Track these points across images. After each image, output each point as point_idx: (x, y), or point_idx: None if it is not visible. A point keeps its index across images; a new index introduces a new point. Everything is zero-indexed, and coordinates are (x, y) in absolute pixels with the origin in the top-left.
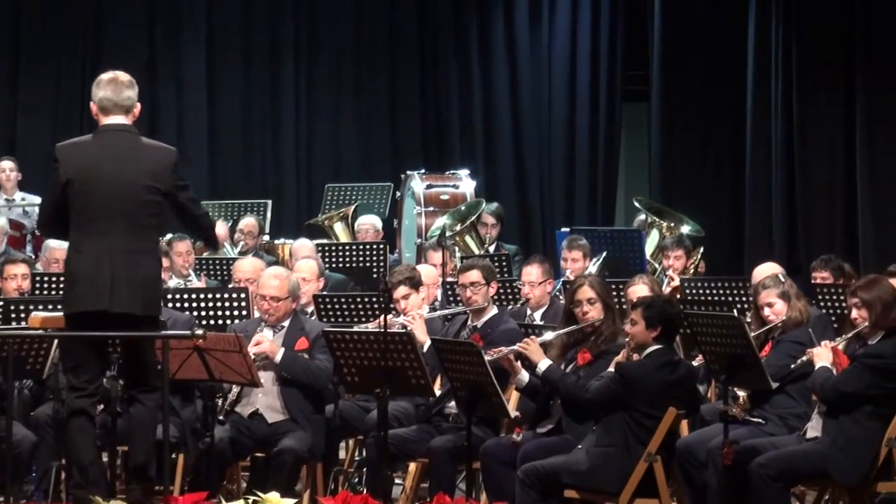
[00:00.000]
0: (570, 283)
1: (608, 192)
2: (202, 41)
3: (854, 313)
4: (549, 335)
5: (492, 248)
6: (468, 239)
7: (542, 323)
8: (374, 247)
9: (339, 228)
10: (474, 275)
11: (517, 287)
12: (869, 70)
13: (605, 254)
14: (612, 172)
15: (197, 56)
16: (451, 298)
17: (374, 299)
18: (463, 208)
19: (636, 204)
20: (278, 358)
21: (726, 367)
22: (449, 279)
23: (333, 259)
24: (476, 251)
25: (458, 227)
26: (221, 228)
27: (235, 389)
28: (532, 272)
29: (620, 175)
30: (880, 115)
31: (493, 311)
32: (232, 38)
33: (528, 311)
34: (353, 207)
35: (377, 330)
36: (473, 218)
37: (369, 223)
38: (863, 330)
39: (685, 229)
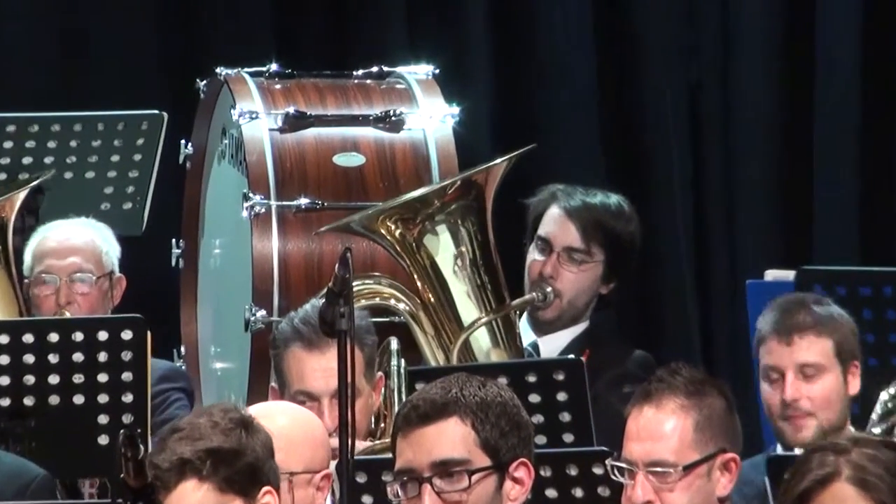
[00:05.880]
0: (801, 462)
1: None
2: None
3: None
4: None
5: (543, 340)
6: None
7: None
8: (94, 332)
9: None
10: (454, 439)
11: None
12: None
13: None
14: None
15: None
16: None
17: None
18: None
19: None
20: None
21: None
22: (380, 445)
23: None
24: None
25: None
26: None
27: None
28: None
29: None
30: None
31: None
32: None
33: None
34: (23, 190)
35: None
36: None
37: (75, 247)
38: None
39: None
